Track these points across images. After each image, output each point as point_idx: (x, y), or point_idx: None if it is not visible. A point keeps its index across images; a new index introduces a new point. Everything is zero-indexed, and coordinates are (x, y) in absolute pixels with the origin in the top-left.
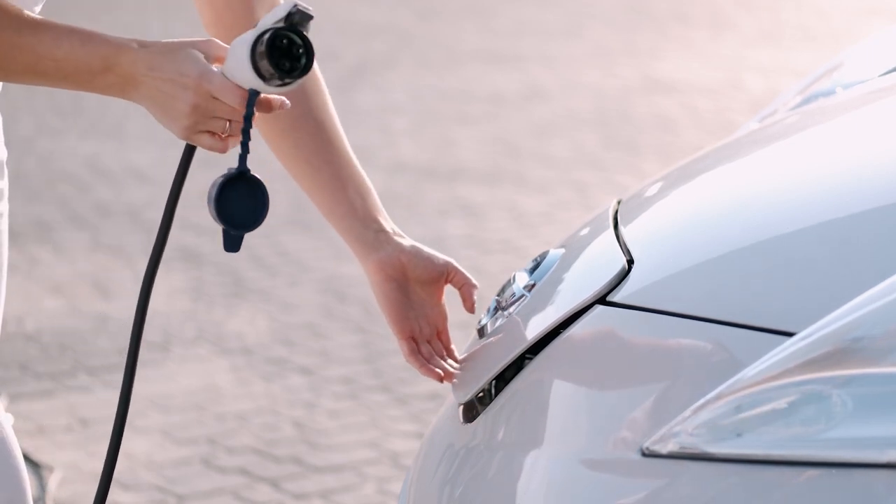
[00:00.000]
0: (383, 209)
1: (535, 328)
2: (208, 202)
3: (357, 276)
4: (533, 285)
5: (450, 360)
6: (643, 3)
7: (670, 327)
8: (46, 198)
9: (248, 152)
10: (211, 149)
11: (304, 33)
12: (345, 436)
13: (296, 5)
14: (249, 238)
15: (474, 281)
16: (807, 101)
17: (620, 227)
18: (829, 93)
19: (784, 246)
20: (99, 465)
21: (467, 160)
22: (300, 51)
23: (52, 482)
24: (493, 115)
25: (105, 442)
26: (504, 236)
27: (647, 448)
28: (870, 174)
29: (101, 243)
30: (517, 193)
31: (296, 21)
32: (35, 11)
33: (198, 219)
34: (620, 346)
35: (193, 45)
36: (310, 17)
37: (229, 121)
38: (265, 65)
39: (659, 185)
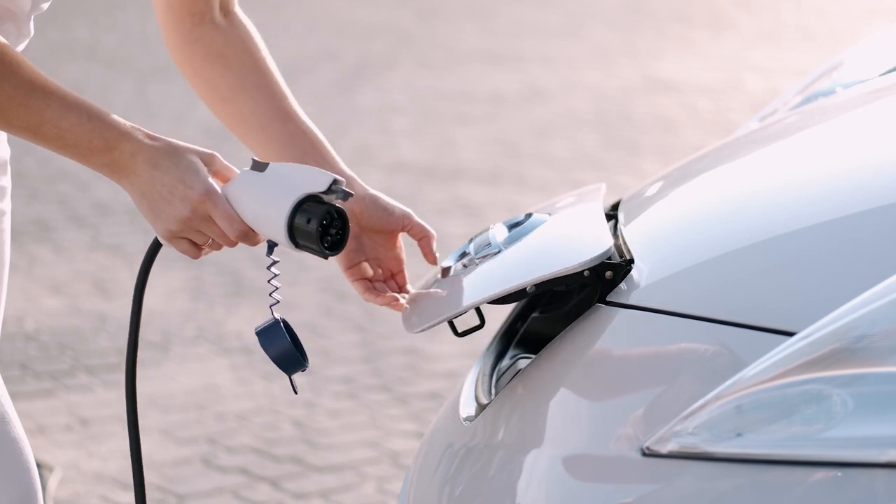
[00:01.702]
0: (337, 158)
1: (498, 284)
2: (282, 352)
3: None
4: (508, 243)
5: (403, 294)
6: (643, 3)
7: (670, 327)
8: (46, 197)
9: (277, 301)
10: (185, 253)
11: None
12: (345, 435)
13: (336, 181)
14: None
15: (432, 231)
16: (807, 100)
17: (620, 227)
18: (829, 92)
19: (784, 246)
20: (99, 465)
21: (467, 160)
22: (336, 223)
23: (52, 482)
24: (493, 115)
25: (105, 442)
26: None
27: (648, 447)
28: (870, 174)
29: (100, 242)
30: (517, 193)
31: (338, 197)
32: (42, 9)
33: None
34: (620, 346)
35: (198, 153)
36: (350, 195)
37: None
38: (308, 239)
39: (659, 184)
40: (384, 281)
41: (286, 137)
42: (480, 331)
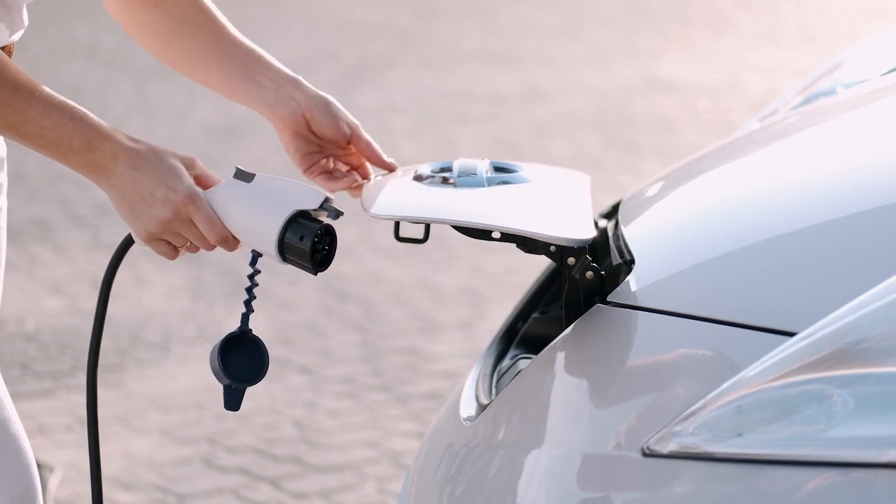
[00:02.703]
0: (281, 66)
1: (470, 214)
2: (212, 362)
3: (357, 275)
4: (492, 182)
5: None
6: (643, 3)
7: (670, 327)
8: (46, 197)
9: (251, 311)
10: (162, 255)
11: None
12: (345, 435)
13: (327, 199)
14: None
15: (378, 148)
16: (807, 100)
17: (621, 227)
18: (829, 92)
19: (785, 246)
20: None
21: None
22: (325, 240)
23: (53, 482)
24: (493, 115)
25: (106, 441)
26: None
27: (648, 447)
28: (870, 174)
29: (101, 242)
30: None
31: (329, 215)
32: None
33: None
34: (620, 346)
35: (179, 157)
36: (340, 214)
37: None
38: (299, 255)
39: (659, 184)
40: (346, 171)
41: (229, 59)
42: (479, 326)
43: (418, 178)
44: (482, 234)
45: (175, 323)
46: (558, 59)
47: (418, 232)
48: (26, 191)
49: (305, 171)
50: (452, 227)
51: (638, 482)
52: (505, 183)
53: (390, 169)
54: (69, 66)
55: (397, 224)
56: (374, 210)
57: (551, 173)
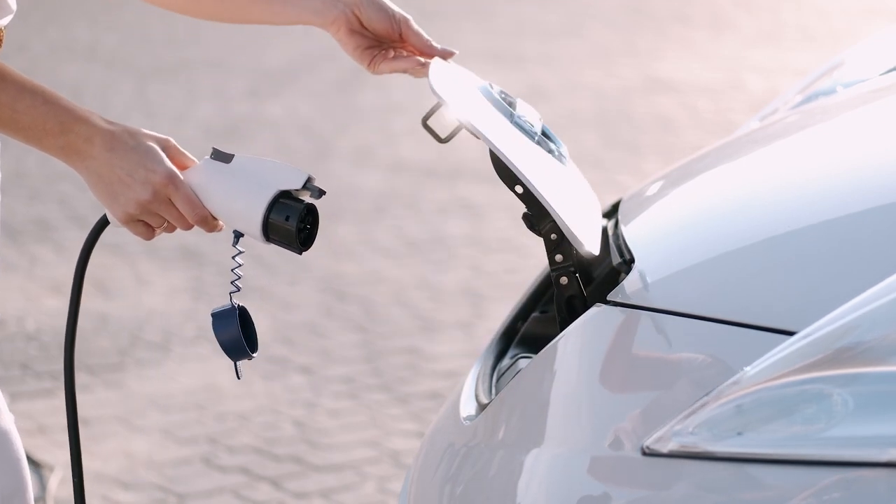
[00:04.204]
0: None
1: (511, 153)
2: (229, 341)
3: (357, 275)
4: (539, 140)
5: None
6: (643, 3)
7: (670, 327)
8: (47, 197)
9: (238, 290)
10: (139, 236)
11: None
12: (345, 435)
13: (310, 178)
14: (250, 237)
15: (427, 37)
16: (808, 100)
17: (621, 227)
18: (829, 92)
19: (785, 245)
20: (99, 465)
21: (467, 160)
22: (308, 219)
23: (53, 481)
24: None
25: (105, 441)
26: (504, 235)
27: (648, 447)
28: (870, 173)
29: (101, 242)
30: None
31: (312, 194)
32: None
33: None
34: (620, 345)
35: (154, 138)
36: (323, 193)
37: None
38: (285, 235)
39: (659, 184)
40: (407, 55)
41: None
42: (479, 326)
43: (485, 90)
44: (508, 177)
45: (175, 323)
46: (558, 59)
47: (443, 131)
48: (26, 190)
49: (368, 64)
50: (490, 151)
51: (638, 481)
52: (549, 151)
53: (446, 56)
54: (69, 66)
55: (431, 111)
56: (436, 86)
57: (577, 173)
